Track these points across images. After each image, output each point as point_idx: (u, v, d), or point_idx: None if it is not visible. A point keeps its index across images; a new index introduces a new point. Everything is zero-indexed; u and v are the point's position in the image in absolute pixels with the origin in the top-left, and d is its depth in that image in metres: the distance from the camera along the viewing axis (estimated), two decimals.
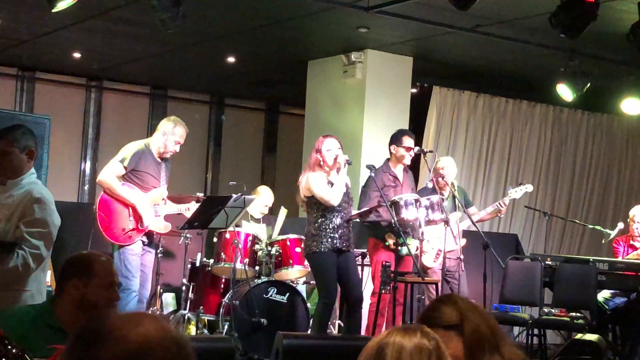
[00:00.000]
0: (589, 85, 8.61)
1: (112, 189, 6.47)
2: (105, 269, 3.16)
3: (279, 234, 7.74)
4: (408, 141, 7.21)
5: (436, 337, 2.01)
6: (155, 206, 6.63)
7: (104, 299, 3.10)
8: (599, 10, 6.32)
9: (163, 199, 6.68)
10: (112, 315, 1.50)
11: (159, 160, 6.69)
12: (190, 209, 6.78)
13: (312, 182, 6.53)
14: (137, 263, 6.52)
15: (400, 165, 7.26)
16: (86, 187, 12.07)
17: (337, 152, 6.56)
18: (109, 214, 6.49)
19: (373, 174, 6.87)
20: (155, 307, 6.98)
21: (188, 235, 7.09)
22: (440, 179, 7.43)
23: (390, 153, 7.27)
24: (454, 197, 7.54)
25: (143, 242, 6.60)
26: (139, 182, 6.57)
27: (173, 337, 1.49)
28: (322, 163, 6.58)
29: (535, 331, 7.72)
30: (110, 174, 6.52)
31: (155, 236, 6.70)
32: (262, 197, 7.95)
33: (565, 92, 8.70)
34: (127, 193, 6.50)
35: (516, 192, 7.90)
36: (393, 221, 6.55)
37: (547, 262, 7.89)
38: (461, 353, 2.50)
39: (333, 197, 6.48)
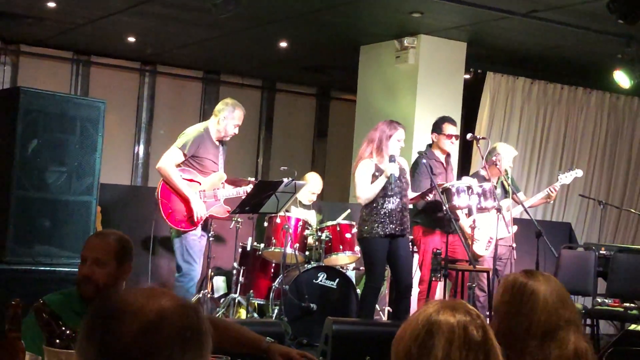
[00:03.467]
0: None
1: (170, 179, 6.51)
2: None
3: (329, 220, 7.74)
4: (450, 128, 7.11)
5: (481, 317, 1.86)
6: (216, 190, 6.70)
7: None
8: None
9: (222, 183, 6.74)
10: (124, 292, 1.52)
11: (217, 144, 6.74)
12: (248, 192, 6.84)
13: (358, 169, 6.53)
14: (198, 248, 6.61)
15: (442, 153, 7.19)
16: (139, 171, 12.21)
17: (394, 144, 6.54)
18: (171, 200, 6.57)
19: (425, 161, 6.84)
20: (206, 291, 7.03)
21: (239, 219, 7.13)
22: (494, 165, 7.34)
23: (432, 141, 7.21)
24: (503, 184, 7.45)
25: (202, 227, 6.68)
26: (198, 167, 6.63)
27: (189, 306, 1.51)
28: (383, 148, 6.55)
29: (588, 321, 7.63)
30: (170, 162, 6.56)
31: (209, 220, 6.76)
32: (311, 184, 7.95)
33: (622, 79, 8.54)
34: (183, 186, 6.51)
35: (566, 177, 7.77)
36: (444, 208, 6.50)
37: (601, 252, 7.80)
38: None
39: (365, 193, 6.48)
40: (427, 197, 6.90)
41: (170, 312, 1.46)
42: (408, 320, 1.86)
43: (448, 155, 7.27)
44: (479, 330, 1.81)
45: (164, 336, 1.43)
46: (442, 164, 7.17)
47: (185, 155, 6.56)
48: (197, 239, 6.60)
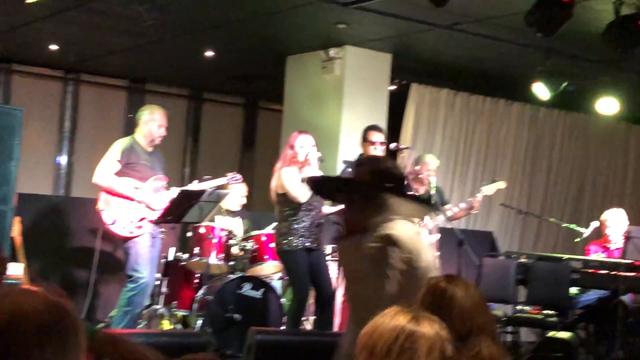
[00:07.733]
0: (565, 84, 8.63)
1: (111, 188, 6.60)
2: None
3: (254, 229, 7.73)
4: (374, 136, 7.17)
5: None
6: (158, 193, 6.70)
7: None
8: (574, 9, 6.34)
9: (164, 187, 6.75)
10: None
11: (149, 150, 6.80)
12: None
13: (284, 177, 6.49)
14: (147, 255, 6.63)
15: None
16: (62, 181, 11.99)
17: (310, 150, 6.54)
18: (114, 209, 6.54)
19: (350, 170, 6.87)
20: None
21: (162, 229, 7.07)
22: (420, 175, 7.42)
23: (362, 150, 7.28)
24: (429, 194, 7.52)
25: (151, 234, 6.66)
26: (136, 174, 6.67)
27: (53, 305, 1.49)
28: (294, 159, 6.56)
29: (509, 328, 7.76)
30: (107, 173, 6.61)
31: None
32: (237, 189, 7.94)
33: (541, 90, 8.72)
34: (126, 189, 6.55)
35: (488, 189, 7.87)
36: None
37: (521, 260, 7.92)
38: None
39: (301, 193, 6.43)
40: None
41: (26, 312, 1.43)
42: (374, 324, 1.93)
43: None
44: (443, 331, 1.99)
45: (18, 337, 1.41)
46: None
47: (119, 162, 6.62)
48: (145, 249, 6.59)
